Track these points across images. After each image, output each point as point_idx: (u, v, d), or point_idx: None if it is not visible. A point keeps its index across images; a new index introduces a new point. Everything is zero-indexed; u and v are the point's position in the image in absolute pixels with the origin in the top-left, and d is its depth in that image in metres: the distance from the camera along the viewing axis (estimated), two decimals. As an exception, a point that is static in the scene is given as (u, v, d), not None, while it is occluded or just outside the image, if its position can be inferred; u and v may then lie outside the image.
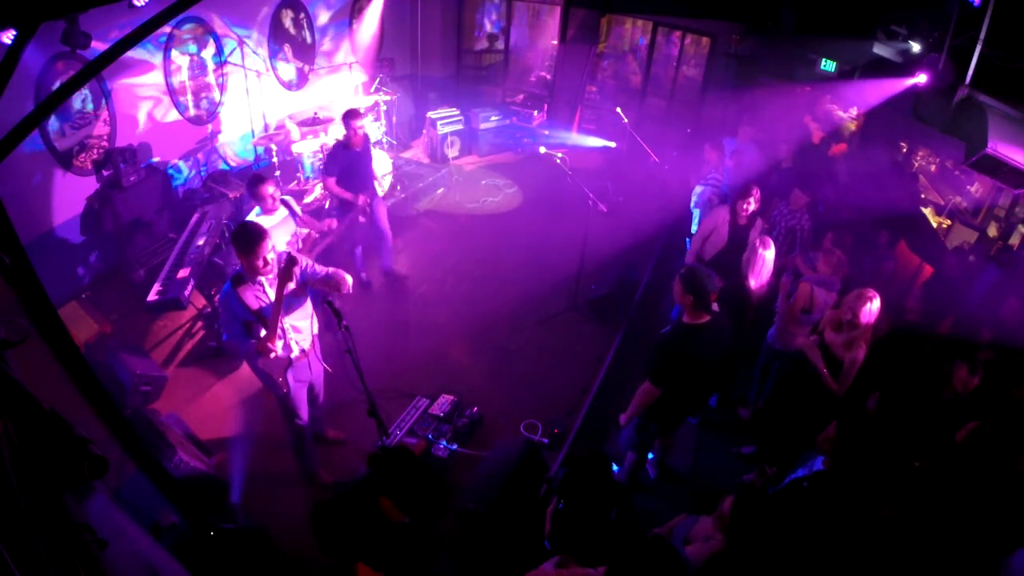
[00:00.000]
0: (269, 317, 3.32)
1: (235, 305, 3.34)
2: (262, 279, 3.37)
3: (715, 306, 3.33)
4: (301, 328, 3.60)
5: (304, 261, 3.47)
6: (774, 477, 3.66)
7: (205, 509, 3.43)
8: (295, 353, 3.58)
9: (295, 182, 6.88)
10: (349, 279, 3.50)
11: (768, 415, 4.30)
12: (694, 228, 6.13)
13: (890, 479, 3.05)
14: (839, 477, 2.96)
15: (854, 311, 3.56)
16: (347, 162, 5.42)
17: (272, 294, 3.37)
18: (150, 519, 3.12)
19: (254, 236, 3.29)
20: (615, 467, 4.16)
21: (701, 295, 3.24)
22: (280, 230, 4.36)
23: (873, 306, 3.58)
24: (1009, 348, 3.95)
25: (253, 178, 4.39)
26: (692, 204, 6.08)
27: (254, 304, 3.35)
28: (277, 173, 6.66)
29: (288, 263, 3.25)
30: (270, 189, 4.33)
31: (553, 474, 4.05)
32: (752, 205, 4.80)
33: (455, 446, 4.36)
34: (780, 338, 4.27)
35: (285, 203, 4.58)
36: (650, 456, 4.27)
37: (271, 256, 3.33)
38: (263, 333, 3.34)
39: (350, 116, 5.29)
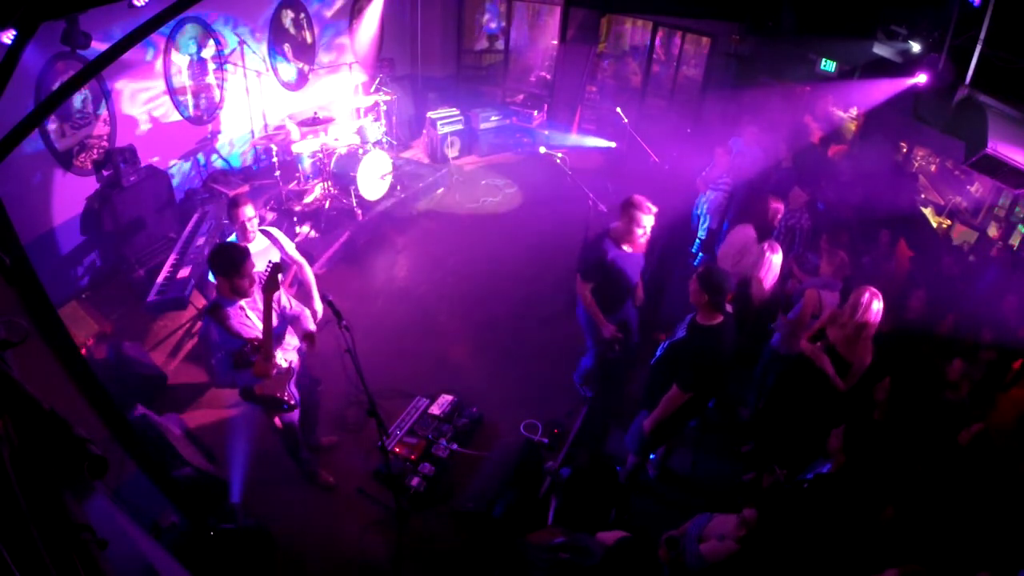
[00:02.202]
0: (262, 334, 3.22)
1: (221, 336, 3.19)
2: (242, 303, 3.26)
3: (728, 307, 3.33)
4: (287, 345, 3.53)
5: (282, 298, 3.39)
6: (785, 479, 3.66)
7: (205, 509, 3.43)
8: (285, 366, 3.50)
9: (295, 182, 6.88)
10: (312, 325, 3.52)
11: (768, 415, 4.30)
12: (702, 233, 6.12)
13: (893, 479, 3.06)
14: (841, 477, 2.96)
15: (860, 311, 3.55)
16: (615, 267, 3.95)
17: (255, 318, 3.31)
18: (150, 519, 3.12)
19: (237, 256, 3.14)
20: (617, 468, 4.16)
21: (717, 295, 3.26)
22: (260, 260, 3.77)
23: (877, 304, 3.57)
24: (1010, 348, 3.95)
25: (230, 201, 3.92)
26: (703, 210, 6.07)
27: (244, 332, 3.24)
28: (277, 173, 6.65)
29: (273, 271, 3.16)
30: (248, 213, 3.82)
31: (556, 469, 4.06)
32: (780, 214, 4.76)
33: (455, 446, 4.36)
34: (786, 344, 4.25)
35: (267, 234, 4.09)
36: (651, 456, 4.28)
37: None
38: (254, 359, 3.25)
39: (634, 207, 3.81)
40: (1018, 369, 3.81)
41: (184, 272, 4.95)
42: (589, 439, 4.55)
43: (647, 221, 3.81)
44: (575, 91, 9.72)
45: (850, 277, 4.48)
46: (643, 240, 3.94)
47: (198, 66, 6.38)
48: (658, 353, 3.71)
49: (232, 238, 4.00)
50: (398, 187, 7.57)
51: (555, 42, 9.87)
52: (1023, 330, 4.13)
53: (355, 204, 6.87)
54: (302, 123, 6.99)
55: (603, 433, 4.63)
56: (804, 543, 2.72)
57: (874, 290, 3.59)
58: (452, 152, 8.89)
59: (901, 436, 3.35)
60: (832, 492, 2.94)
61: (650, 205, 3.83)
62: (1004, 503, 2.87)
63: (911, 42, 5.57)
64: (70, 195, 5.34)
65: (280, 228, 6.26)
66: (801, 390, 3.85)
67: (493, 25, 10.39)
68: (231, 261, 3.15)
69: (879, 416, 3.47)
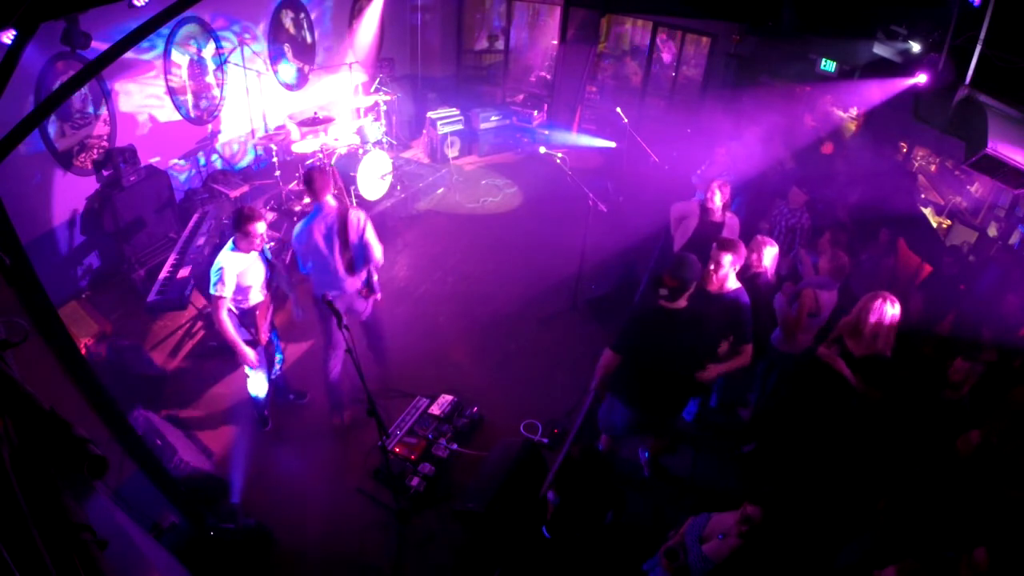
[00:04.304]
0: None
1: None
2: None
3: (664, 291, 3.27)
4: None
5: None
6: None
7: (205, 509, 3.43)
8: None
9: (295, 182, 6.88)
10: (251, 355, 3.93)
11: (774, 416, 4.29)
12: None
13: (888, 473, 3.06)
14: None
15: (868, 310, 3.60)
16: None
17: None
18: (150, 519, 3.12)
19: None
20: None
21: (678, 281, 3.25)
22: (255, 270, 3.86)
23: (890, 308, 3.62)
24: (1010, 348, 3.95)
25: (241, 214, 3.72)
26: None
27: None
28: (277, 173, 6.66)
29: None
30: (260, 228, 3.75)
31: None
32: (717, 197, 4.76)
33: (455, 446, 4.36)
34: (786, 342, 4.26)
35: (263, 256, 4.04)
36: (644, 455, 4.27)
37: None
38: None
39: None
40: (1018, 368, 3.82)
41: (184, 272, 4.95)
42: (587, 439, 4.55)
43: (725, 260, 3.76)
44: (575, 91, 9.72)
45: (849, 275, 4.50)
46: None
47: (198, 66, 6.38)
48: None
49: (229, 247, 3.78)
50: (398, 187, 7.58)
51: (555, 42, 9.87)
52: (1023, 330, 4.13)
53: (355, 204, 6.86)
54: (302, 123, 6.99)
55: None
56: (805, 535, 2.72)
57: (889, 295, 3.64)
58: (452, 152, 8.88)
59: (898, 433, 3.35)
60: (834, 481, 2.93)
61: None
62: (1003, 507, 2.87)
63: (911, 42, 5.56)
64: (70, 195, 5.34)
65: (280, 228, 6.31)
66: (814, 393, 3.84)
67: (495, 18, 10.34)
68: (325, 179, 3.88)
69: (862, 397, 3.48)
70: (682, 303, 3.33)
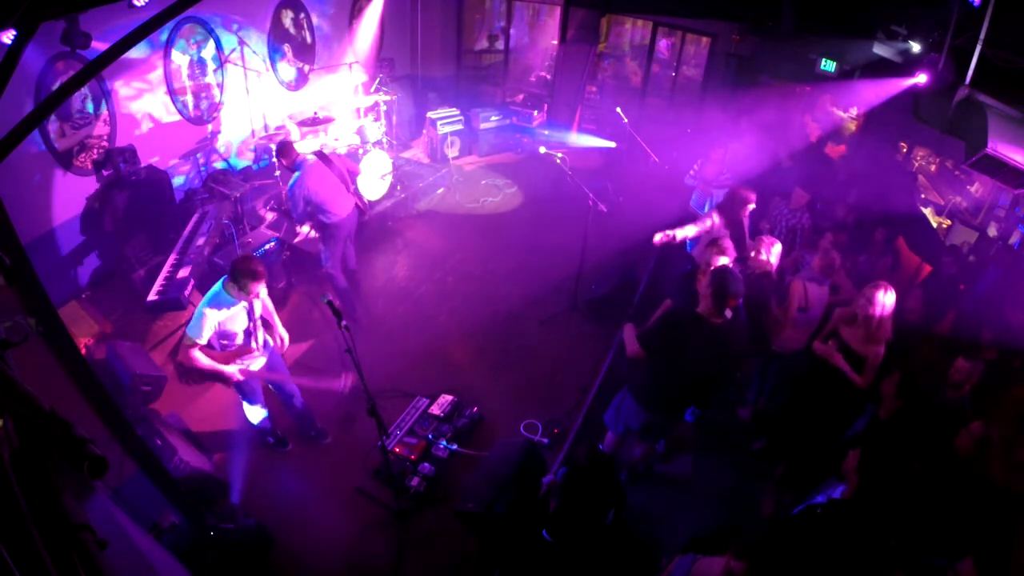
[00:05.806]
0: None
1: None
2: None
3: (728, 313, 3.29)
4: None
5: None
6: (789, 502, 3.64)
7: (205, 509, 3.43)
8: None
9: (295, 182, 6.88)
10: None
11: (782, 413, 4.28)
12: None
13: (899, 491, 3.03)
14: (856, 503, 2.92)
15: (870, 301, 3.60)
16: None
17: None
18: (150, 519, 3.13)
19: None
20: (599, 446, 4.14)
21: (720, 295, 3.24)
22: (240, 319, 3.62)
23: (888, 297, 3.62)
24: (1010, 347, 3.95)
25: (249, 269, 3.43)
26: (708, 209, 6.04)
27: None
28: (277, 173, 6.65)
29: None
30: (261, 289, 3.55)
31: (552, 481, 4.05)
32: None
33: (455, 446, 4.36)
34: (774, 336, 4.27)
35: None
36: (636, 454, 4.27)
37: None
38: None
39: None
40: (1018, 368, 3.82)
41: (184, 272, 4.95)
42: (587, 439, 4.55)
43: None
44: (575, 91, 9.72)
45: (847, 275, 4.50)
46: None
47: (198, 66, 6.38)
48: None
49: (217, 290, 3.54)
50: (398, 187, 7.57)
51: (555, 42, 9.87)
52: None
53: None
54: (302, 123, 6.99)
55: (602, 433, 4.64)
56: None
57: (885, 284, 3.64)
58: (452, 152, 8.88)
59: (905, 439, 3.34)
60: (845, 522, 2.88)
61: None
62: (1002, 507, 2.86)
63: (911, 42, 5.57)
64: (70, 195, 5.34)
65: (280, 228, 6.30)
66: (817, 389, 3.84)
67: (495, 18, 10.35)
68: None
69: (885, 414, 3.45)
70: (720, 319, 3.35)
